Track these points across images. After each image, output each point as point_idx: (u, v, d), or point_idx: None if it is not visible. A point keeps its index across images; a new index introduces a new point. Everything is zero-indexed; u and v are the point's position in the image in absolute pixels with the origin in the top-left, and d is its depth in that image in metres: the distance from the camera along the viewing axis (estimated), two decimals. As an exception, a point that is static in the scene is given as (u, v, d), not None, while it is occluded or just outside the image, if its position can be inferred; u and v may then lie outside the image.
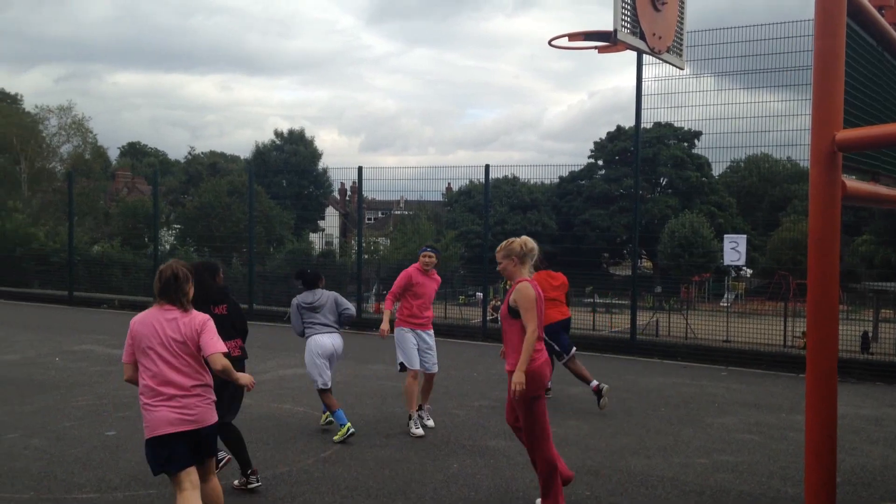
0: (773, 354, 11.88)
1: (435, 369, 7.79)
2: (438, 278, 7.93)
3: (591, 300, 20.26)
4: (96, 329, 14.16)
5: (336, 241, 39.97)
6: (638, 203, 13.90)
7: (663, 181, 51.54)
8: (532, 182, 49.73)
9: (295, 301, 7.48)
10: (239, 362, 5.66)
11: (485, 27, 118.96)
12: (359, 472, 6.14)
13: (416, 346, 7.58)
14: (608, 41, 12.52)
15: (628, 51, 12.60)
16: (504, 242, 5.36)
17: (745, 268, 28.76)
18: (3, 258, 21.49)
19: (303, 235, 40.24)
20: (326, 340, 7.29)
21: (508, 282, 5.41)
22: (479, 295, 21.31)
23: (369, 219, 48.56)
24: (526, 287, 5.07)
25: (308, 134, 56.47)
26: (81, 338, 13.06)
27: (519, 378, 4.94)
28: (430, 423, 7.66)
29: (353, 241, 28.19)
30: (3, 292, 19.63)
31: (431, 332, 7.77)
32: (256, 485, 5.70)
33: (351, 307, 7.63)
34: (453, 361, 11.39)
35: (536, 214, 50.34)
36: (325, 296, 7.42)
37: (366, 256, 18.88)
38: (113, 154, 62.03)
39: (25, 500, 5.41)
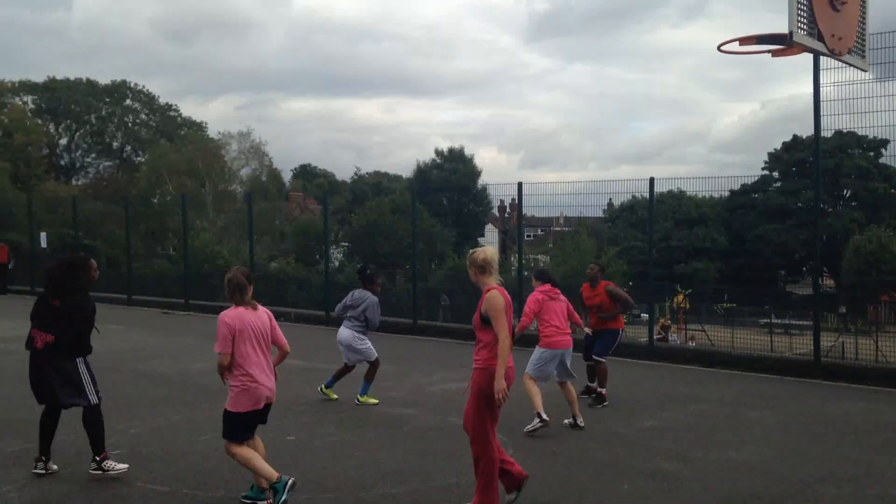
0: (981, 382, 10.69)
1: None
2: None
3: (768, 320, 19.13)
4: (274, 340, 14.99)
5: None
6: (819, 217, 13.01)
7: (846, 193, 48.02)
8: (700, 196, 47.84)
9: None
10: (41, 353, 6.09)
11: (648, 39, 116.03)
12: (526, 489, 6.09)
13: None
14: (783, 44, 11.75)
15: (804, 54, 11.76)
16: (469, 253, 5.62)
17: (942, 287, 26.14)
18: (192, 274, 23.27)
19: (463, 252, 40.85)
20: (341, 331, 9.33)
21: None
22: (645, 316, 20.65)
23: (529, 235, 48.58)
24: (494, 295, 5.26)
25: (468, 152, 57.38)
26: (261, 348, 13.87)
27: (500, 385, 5.13)
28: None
29: (512, 258, 28.23)
30: (193, 305, 21.23)
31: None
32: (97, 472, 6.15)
33: (371, 320, 9.19)
34: (620, 380, 11.10)
35: (704, 230, 48.36)
36: (360, 298, 9.23)
37: (526, 273, 18.81)
38: (287, 176, 65.94)
39: (216, 499, 5.79)
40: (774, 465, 6.84)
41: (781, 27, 11.27)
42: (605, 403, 9.18)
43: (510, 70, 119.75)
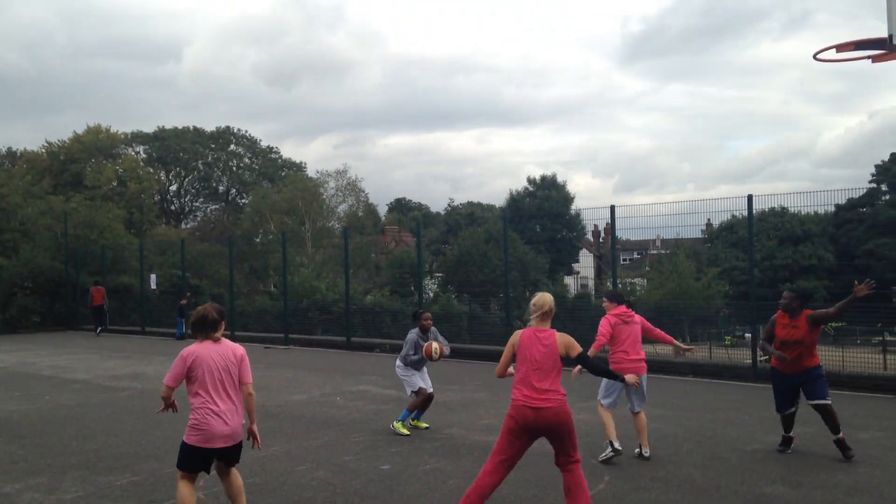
0: None
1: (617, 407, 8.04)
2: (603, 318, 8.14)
3: (881, 338, 18.14)
4: (371, 371, 15.22)
5: (591, 284, 39.71)
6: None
7: (964, 202, 45.22)
8: (803, 212, 46.00)
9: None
10: None
11: (748, 55, 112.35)
12: (623, 515, 5.95)
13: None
14: (883, 48, 11.32)
15: (909, 58, 11.11)
16: None
17: None
18: (292, 309, 23.97)
19: (557, 279, 40.50)
20: None
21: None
22: (748, 336, 19.92)
23: (624, 259, 47.76)
24: (513, 333, 5.80)
25: (561, 178, 57.24)
26: (358, 379, 14.11)
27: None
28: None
29: (608, 283, 27.81)
30: (293, 339, 21.83)
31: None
32: None
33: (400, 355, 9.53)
34: (721, 403, 10.74)
35: (810, 247, 46.41)
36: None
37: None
38: (382, 210, 67.13)
39: (313, 525, 5.89)
40: (888, 488, 6.45)
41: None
42: (850, 452, 7.53)
43: (604, 94, 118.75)
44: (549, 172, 59.39)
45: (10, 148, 56.22)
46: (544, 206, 54.26)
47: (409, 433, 9.14)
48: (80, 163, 49.83)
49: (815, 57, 13.65)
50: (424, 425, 9.40)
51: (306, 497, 6.59)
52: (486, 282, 34.39)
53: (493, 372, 14.01)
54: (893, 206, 45.41)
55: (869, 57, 13.20)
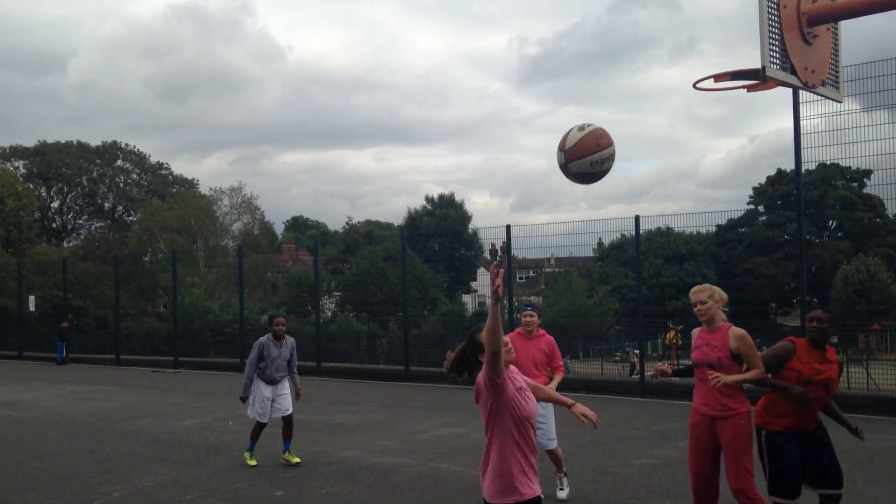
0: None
1: (550, 445, 6.88)
2: (548, 338, 7.04)
3: (760, 352, 19.18)
4: (265, 394, 14.88)
5: (488, 302, 40.22)
6: (804, 248, 13.11)
7: (832, 224, 48.42)
8: (687, 232, 48.19)
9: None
10: None
11: (638, 80, 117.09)
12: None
13: None
14: (756, 79, 12.00)
15: (779, 88, 11.94)
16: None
17: (933, 312, 26.23)
18: (182, 330, 23.16)
19: (456, 297, 40.85)
20: None
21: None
22: (636, 351, 20.69)
23: (520, 278, 48.62)
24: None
25: (459, 197, 58.00)
26: (252, 402, 13.76)
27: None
28: (563, 493, 6.92)
29: (504, 301, 28.25)
30: (183, 362, 21.10)
31: (543, 403, 6.71)
32: None
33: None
34: (611, 419, 11.04)
35: (693, 265, 48.56)
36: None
37: (517, 316, 18.87)
38: (279, 228, 66.02)
39: (202, 557, 5.69)
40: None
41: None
42: None
43: (502, 115, 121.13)
44: (447, 191, 60.21)
45: None
46: (442, 224, 54.71)
47: (255, 464, 8.48)
48: (-48, 178, 46.86)
49: (694, 86, 14.45)
50: (296, 460, 8.55)
51: (195, 527, 6.37)
52: (385, 300, 34.35)
53: (391, 393, 14.04)
54: (769, 227, 48.15)
55: (744, 86, 14.09)
